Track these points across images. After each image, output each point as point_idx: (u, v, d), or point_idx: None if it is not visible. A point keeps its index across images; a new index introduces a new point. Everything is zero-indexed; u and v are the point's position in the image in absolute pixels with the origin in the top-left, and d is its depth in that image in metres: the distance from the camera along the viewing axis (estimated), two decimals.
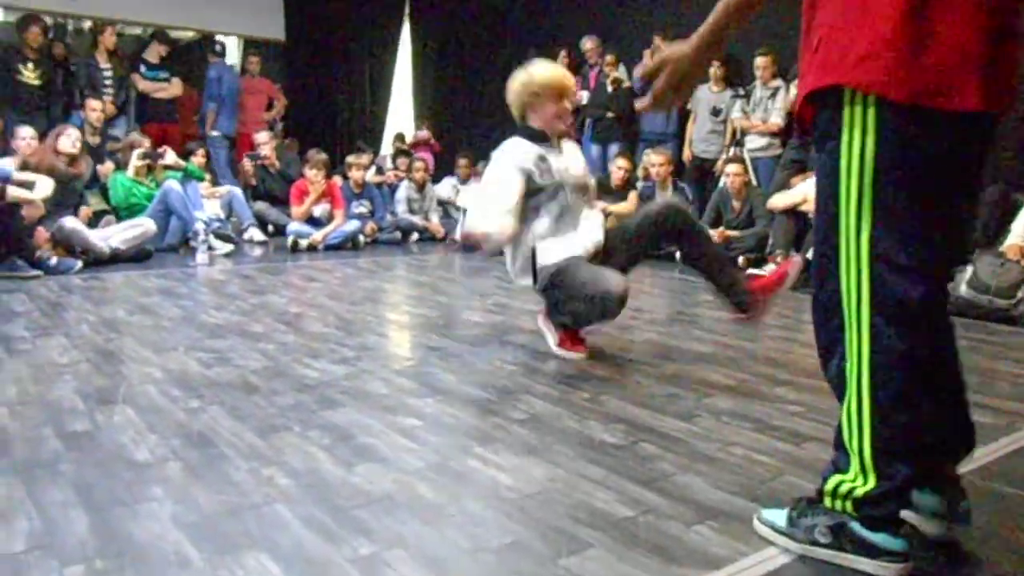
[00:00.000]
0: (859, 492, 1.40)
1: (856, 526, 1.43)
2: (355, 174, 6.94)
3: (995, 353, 3.30)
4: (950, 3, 1.25)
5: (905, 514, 1.50)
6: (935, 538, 1.54)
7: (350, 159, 7.28)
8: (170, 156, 6.03)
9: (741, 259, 5.58)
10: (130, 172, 5.80)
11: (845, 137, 1.35)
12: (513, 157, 2.99)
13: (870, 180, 1.33)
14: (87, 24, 8.60)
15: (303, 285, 4.67)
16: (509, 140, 3.08)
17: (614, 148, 6.99)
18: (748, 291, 2.99)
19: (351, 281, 4.84)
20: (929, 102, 1.27)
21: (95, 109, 6.59)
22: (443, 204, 7.52)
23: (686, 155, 6.79)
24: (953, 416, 1.50)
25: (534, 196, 2.98)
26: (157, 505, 1.67)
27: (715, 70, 6.49)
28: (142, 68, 7.70)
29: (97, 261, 4.99)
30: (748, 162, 6.08)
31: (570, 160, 3.11)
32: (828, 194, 1.41)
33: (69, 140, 5.40)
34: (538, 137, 3.05)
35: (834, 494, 1.45)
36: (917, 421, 1.37)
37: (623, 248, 3.06)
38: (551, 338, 3.11)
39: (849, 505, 1.43)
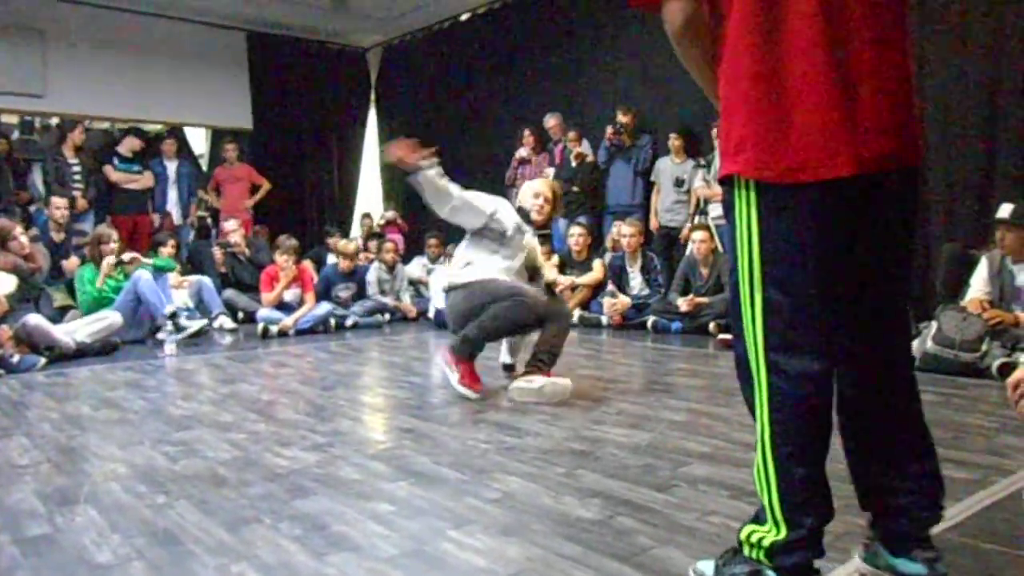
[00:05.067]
0: (767, 541, 1.47)
1: (771, 574, 1.48)
2: (344, 262, 6.94)
3: (965, 407, 3.33)
4: (798, 92, 1.37)
5: None
6: None
7: (342, 243, 7.31)
8: (134, 257, 5.99)
9: (712, 325, 5.63)
10: (100, 279, 5.71)
11: (735, 213, 1.48)
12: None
13: (758, 252, 1.45)
14: (54, 120, 8.68)
15: (274, 372, 4.62)
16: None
17: (581, 221, 7.10)
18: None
19: (323, 365, 4.79)
20: (796, 177, 1.38)
21: (59, 207, 6.57)
22: (414, 284, 7.54)
23: (653, 224, 6.91)
24: (903, 478, 1.55)
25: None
26: None
27: (675, 142, 6.67)
28: (115, 161, 7.76)
29: (62, 356, 4.90)
30: (713, 229, 6.20)
31: None
32: (732, 265, 1.53)
33: (17, 243, 5.37)
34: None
35: (748, 542, 1.51)
36: (816, 476, 1.45)
37: None
38: (453, 376, 3.61)
39: (761, 554, 1.49)
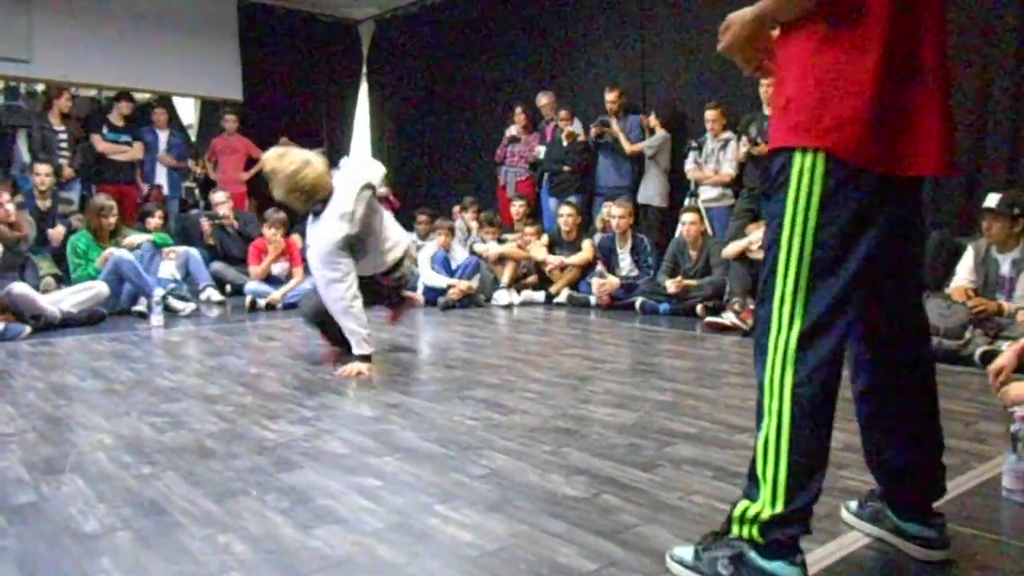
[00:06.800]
0: (765, 515, 1.48)
1: (754, 555, 1.50)
2: None
3: (947, 393, 3.34)
4: (914, 87, 1.44)
5: (895, 541, 1.74)
6: (923, 560, 1.71)
7: None
8: (129, 242, 6.00)
9: (699, 307, 5.65)
10: (101, 260, 5.65)
11: (791, 186, 1.46)
12: None
13: (813, 228, 1.45)
14: (40, 87, 8.55)
15: (262, 345, 4.61)
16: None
17: (571, 201, 7.08)
18: None
19: (310, 340, 4.78)
20: (889, 169, 1.44)
21: (41, 173, 6.51)
22: None
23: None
24: (920, 458, 1.69)
25: None
26: None
27: (651, 121, 6.68)
28: (104, 129, 7.65)
29: (48, 326, 4.87)
30: (703, 212, 6.20)
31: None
32: (772, 238, 1.52)
33: (2, 210, 5.33)
34: None
35: (741, 519, 1.52)
36: (824, 451, 1.51)
37: None
38: None
39: (755, 530, 1.50)
